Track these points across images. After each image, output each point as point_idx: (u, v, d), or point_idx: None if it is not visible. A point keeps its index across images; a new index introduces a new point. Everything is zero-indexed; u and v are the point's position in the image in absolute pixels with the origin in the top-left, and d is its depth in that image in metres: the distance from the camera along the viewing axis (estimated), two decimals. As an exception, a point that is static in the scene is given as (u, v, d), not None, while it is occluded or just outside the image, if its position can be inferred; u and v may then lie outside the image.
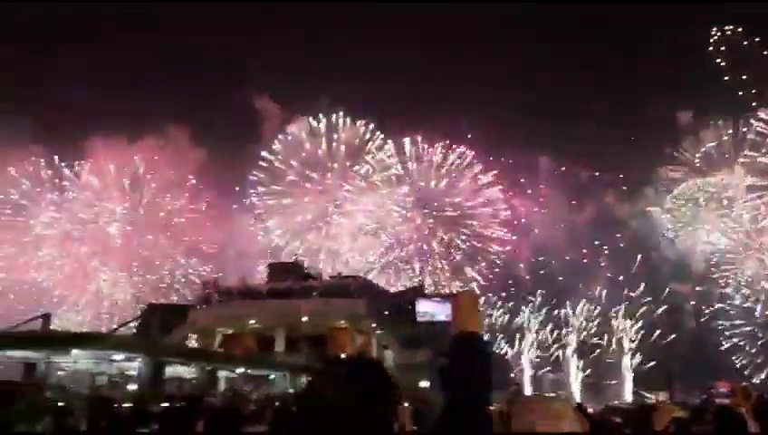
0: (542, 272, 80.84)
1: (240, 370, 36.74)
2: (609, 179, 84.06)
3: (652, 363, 72.21)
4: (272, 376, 40.63)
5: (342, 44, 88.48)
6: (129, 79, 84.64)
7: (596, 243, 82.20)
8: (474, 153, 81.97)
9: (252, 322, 45.51)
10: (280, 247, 77.51)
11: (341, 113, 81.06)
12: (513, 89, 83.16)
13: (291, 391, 36.27)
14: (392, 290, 59.75)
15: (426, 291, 56.49)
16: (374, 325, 44.93)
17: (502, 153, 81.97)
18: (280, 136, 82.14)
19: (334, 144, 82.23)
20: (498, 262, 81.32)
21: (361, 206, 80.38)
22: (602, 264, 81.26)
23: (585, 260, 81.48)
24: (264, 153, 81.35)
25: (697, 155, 79.94)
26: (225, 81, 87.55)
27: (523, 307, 79.86)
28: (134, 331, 48.73)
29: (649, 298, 77.42)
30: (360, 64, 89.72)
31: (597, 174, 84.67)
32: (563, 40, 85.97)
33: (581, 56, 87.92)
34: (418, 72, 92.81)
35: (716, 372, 58.57)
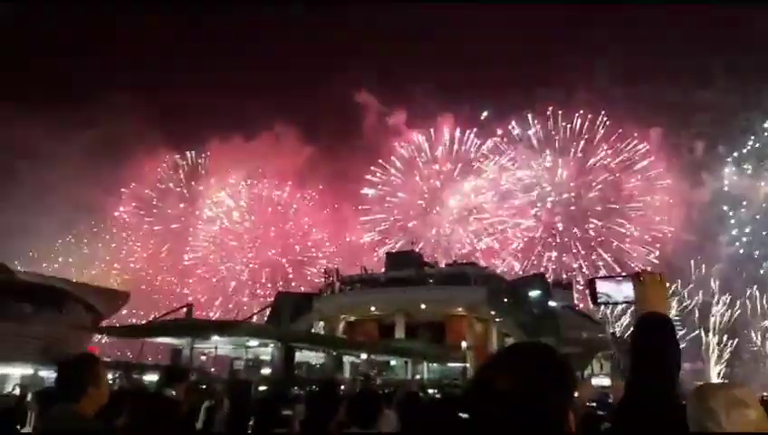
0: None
1: (363, 355, 37.90)
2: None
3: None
4: (393, 362, 41.59)
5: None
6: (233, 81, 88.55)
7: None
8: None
9: (372, 309, 46.70)
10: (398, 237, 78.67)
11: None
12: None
13: (416, 377, 36.96)
14: (511, 276, 58.92)
15: (546, 278, 55.04)
16: (493, 313, 44.47)
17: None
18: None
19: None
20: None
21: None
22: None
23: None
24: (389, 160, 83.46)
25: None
26: (324, 78, 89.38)
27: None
28: (266, 319, 51.84)
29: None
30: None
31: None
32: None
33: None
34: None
35: None
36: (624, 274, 1.97)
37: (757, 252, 73.34)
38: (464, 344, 41.05)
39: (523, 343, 1.56)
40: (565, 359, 1.40)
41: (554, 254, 78.02)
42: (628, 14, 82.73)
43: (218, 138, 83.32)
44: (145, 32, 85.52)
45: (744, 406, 1.88)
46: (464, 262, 56.35)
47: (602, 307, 41.35)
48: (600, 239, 77.58)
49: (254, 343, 33.65)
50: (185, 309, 43.06)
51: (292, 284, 74.83)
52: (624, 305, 2.06)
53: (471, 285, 45.49)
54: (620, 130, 77.59)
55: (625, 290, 1.91)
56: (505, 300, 46.21)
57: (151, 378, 24.06)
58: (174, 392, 4.68)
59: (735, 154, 76.38)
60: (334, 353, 36.04)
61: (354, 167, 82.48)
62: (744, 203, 75.24)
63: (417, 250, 57.08)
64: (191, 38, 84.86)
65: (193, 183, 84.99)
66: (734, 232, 75.41)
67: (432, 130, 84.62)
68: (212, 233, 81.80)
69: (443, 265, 54.68)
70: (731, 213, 75.78)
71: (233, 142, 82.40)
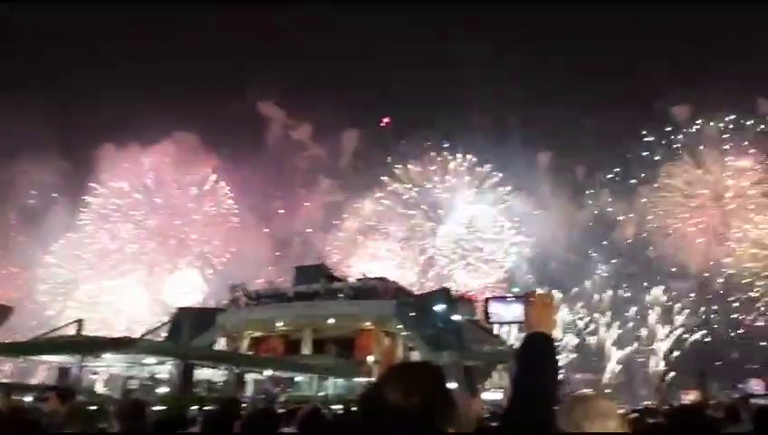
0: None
1: (268, 372, 37.06)
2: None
3: (681, 363, 70.81)
4: (298, 378, 40.95)
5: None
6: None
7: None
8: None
9: (279, 324, 45.88)
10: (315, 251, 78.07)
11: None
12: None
13: (320, 393, 36.52)
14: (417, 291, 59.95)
15: (451, 293, 56.51)
16: (400, 326, 45.00)
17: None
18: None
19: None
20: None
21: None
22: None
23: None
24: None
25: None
26: (227, 88, 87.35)
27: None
28: (164, 335, 49.48)
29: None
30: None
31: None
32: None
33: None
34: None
35: (749, 370, 57.30)
36: (515, 295, 2.09)
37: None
38: (370, 359, 41.16)
39: (413, 362, 1.66)
40: (442, 377, 1.50)
41: (459, 267, 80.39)
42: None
43: (114, 144, 78.54)
44: (37, 29, 79.66)
45: (605, 418, 2.11)
46: (373, 276, 56.76)
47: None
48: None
49: (150, 360, 31.94)
50: (74, 325, 40.17)
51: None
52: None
53: (380, 299, 45.93)
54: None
55: (515, 310, 2.03)
56: (412, 314, 46.95)
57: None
58: (49, 409, 4.29)
59: (610, 177, 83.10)
60: (237, 371, 34.92)
61: (257, 179, 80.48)
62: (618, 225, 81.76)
63: (325, 264, 56.83)
64: (88, 40, 79.62)
65: (82, 192, 79.45)
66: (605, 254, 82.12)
67: (338, 143, 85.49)
68: (101, 244, 76.93)
69: (352, 280, 54.80)
70: (604, 236, 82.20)
71: (129, 150, 78.17)
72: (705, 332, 74.05)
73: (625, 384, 73.94)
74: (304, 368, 39.66)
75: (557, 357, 1.93)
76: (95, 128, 75.82)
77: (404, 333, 45.20)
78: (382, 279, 53.46)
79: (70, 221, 77.38)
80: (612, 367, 78.36)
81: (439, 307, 48.42)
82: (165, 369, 32.62)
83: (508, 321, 2.13)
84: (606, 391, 71.71)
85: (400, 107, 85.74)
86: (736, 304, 73.62)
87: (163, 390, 31.90)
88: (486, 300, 2.15)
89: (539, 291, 2.06)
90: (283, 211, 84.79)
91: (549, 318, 1.99)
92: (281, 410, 8.35)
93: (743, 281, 72.83)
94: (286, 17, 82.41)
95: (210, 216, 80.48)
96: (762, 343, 68.53)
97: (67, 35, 78.92)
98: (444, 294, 52.42)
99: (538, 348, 1.90)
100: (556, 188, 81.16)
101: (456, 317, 48.04)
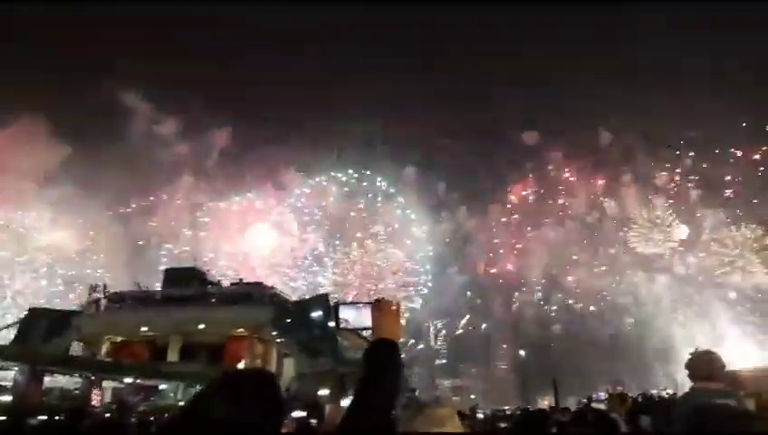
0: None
1: (129, 380, 34.74)
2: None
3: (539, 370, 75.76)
4: (162, 386, 38.76)
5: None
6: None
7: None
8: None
9: (144, 329, 43.22)
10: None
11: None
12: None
13: (181, 403, 34.86)
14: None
15: (329, 299, 56.47)
16: (275, 333, 44.16)
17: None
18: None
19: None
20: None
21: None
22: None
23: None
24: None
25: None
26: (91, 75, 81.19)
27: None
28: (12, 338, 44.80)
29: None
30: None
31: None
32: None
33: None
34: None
35: (596, 378, 63.01)
36: (364, 301, 2.13)
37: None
38: (241, 366, 40.01)
39: (243, 369, 1.60)
40: (275, 387, 1.45)
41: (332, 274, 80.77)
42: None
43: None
44: None
45: (441, 424, 2.22)
46: (249, 282, 55.27)
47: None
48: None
49: (-9, 366, 28.81)
50: None
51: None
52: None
53: (256, 306, 44.81)
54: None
55: (365, 316, 2.05)
56: (288, 320, 46.29)
57: None
58: None
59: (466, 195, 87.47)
60: (92, 378, 32.43)
61: (114, 172, 74.49)
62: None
63: (198, 267, 54.39)
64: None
65: None
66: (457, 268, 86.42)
67: (207, 142, 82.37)
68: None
69: (228, 284, 53.01)
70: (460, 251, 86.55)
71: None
72: (552, 344, 79.60)
73: (489, 390, 78.00)
74: (170, 375, 37.61)
75: (401, 364, 1.97)
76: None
77: (279, 340, 44.42)
78: (258, 284, 52.24)
79: None
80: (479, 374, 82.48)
81: (316, 314, 48.21)
82: (10, 375, 29.66)
83: (358, 327, 2.15)
84: (471, 396, 75.36)
85: (271, 108, 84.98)
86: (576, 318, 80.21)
87: (5, 398, 28.84)
88: (336, 305, 2.16)
89: (385, 298, 2.11)
90: (135, 206, 79.83)
91: (395, 325, 2.04)
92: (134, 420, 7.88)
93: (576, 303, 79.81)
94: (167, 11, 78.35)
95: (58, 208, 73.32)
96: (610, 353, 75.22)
97: None
98: (321, 301, 52.31)
99: (382, 354, 1.94)
100: (419, 202, 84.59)
101: (332, 324, 48.06)
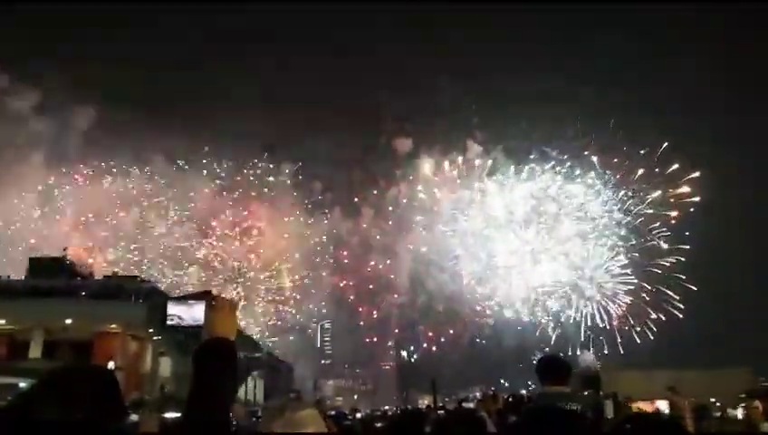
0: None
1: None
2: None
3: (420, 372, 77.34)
4: (22, 384, 35.53)
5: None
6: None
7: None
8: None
9: (2, 322, 39.50)
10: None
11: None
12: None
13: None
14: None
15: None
16: (151, 331, 41.99)
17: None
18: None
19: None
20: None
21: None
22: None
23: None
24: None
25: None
26: None
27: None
28: None
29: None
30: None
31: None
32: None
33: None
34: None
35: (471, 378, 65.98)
36: (196, 298, 2.04)
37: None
38: (111, 365, 37.69)
39: (76, 366, 1.46)
40: (112, 386, 1.41)
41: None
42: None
43: None
44: None
45: (303, 426, 2.20)
46: (124, 275, 52.08)
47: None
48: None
49: None
50: None
51: None
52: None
53: (130, 301, 42.34)
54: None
55: (196, 312, 2.03)
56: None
57: None
58: None
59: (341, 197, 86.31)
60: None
61: None
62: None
63: (66, 257, 50.27)
64: None
65: None
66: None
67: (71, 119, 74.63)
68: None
69: (100, 277, 49.63)
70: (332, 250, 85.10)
71: None
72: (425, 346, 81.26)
73: (371, 390, 79.21)
74: (29, 373, 34.57)
75: (236, 363, 1.96)
76: None
77: (155, 338, 42.29)
78: (134, 278, 49.43)
79: None
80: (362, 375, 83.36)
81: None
82: None
83: (188, 324, 2.12)
84: (355, 396, 76.22)
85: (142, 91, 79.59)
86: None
87: None
88: (164, 301, 2.10)
89: (222, 295, 2.07)
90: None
91: (231, 323, 2.03)
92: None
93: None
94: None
95: None
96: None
97: None
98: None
99: (216, 356, 1.92)
100: (296, 201, 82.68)
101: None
